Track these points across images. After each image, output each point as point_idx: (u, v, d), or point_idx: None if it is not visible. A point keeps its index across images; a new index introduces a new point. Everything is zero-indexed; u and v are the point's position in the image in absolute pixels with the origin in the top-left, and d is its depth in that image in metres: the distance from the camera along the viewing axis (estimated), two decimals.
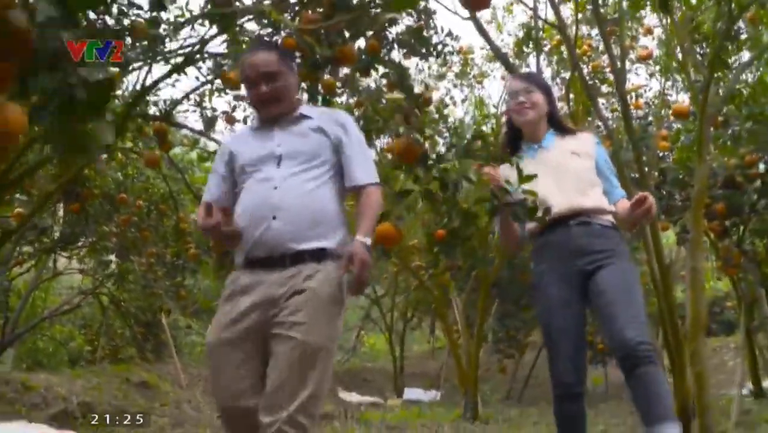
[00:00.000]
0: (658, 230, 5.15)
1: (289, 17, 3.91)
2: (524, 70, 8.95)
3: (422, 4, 4.90)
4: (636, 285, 2.76)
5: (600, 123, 6.83)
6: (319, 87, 3.85)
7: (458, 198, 3.04)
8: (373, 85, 5.23)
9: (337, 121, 2.59)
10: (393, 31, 4.74)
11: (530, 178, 2.73)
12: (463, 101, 13.04)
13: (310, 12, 3.65)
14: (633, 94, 9.05)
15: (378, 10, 3.73)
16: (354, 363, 17.44)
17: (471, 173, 2.92)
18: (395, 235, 3.16)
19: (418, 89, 4.44)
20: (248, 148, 2.54)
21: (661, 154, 7.93)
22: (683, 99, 9.44)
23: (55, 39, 1.25)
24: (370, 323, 17.13)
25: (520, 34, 10.29)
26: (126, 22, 3.80)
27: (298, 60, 3.40)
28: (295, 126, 2.55)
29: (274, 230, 2.34)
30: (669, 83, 9.53)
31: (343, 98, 4.86)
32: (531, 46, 9.36)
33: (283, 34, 3.88)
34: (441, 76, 11.49)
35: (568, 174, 2.85)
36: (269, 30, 4.00)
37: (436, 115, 5.06)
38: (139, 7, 3.85)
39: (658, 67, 9.28)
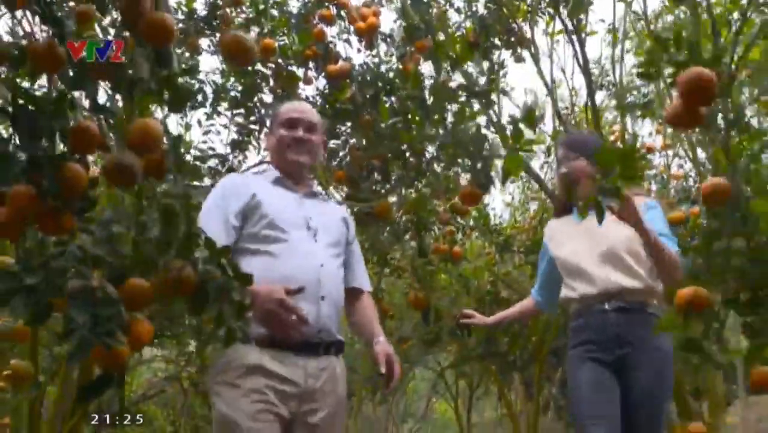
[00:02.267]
0: None
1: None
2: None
3: None
4: (667, 393, 2.67)
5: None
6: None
7: None
8: None
9: (350, 218, 2.54)
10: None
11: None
12: None
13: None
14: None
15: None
16: (424, 431, 17.72)
17: None
18: None
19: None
20: (275, 202, 2.27)
21: None
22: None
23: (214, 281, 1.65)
24: (439, 391, 17.46)
25: None
26: None
27: None
28: (318, 202, 2.44)
29: (322, 313, 2.18)
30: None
31: None
32: None
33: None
34: None
35: (606, 244, 2.67)
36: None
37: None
38: None
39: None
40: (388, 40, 4.31)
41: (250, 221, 2.23)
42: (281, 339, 2.12)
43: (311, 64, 4.56)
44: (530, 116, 2.20)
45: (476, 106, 3.26)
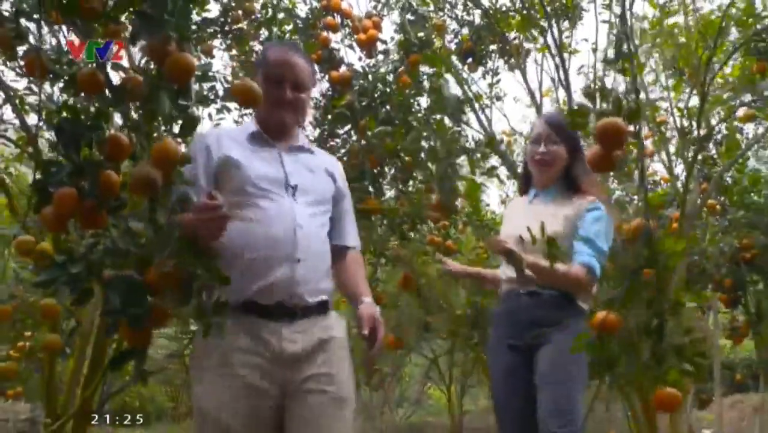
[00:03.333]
0: None
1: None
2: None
3: None
4: (571, 365, 2.59)
5: None
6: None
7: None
8: None
9: (339, 171, 2.40)
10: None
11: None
12: None
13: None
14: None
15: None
16: (417, 416, 18.10)
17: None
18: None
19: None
20: (251, 161, 2.16)
21: None
22: None
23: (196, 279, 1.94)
24: (432, 378, 17.82)
25: None
26: None
27: None
28: (302, 156, 2.29)
29: (297, 276, 2.10)
30: None
31: None
32: None
33: None
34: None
35: (537, 229, 2.59)
36: None
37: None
38: None
39: None
40: (384, 54, 4.64)
41: (222, 182, 2.12)
42: (252, 304, 2.06)
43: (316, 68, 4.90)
44: (490, 143, 2.55)
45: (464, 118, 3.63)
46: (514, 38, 5.99)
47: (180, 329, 11.87)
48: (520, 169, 3.13)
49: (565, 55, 5.28)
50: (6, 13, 2.98)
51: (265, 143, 2.24)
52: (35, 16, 2.92)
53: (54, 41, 3.34)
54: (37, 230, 3.39)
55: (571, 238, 2.68)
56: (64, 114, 2.43)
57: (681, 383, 2.83)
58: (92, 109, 2.46)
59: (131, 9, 2.16)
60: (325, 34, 4.83)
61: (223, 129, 2.34)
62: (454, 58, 5.64)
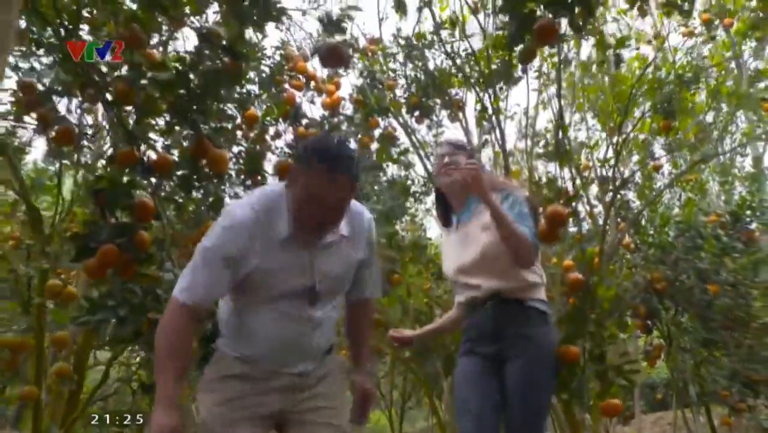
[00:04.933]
0: None
1: None
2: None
3: None
4: (540, 382, 2.63)
5: None
6: None
7: None
8: None
9: (368, 239, 2.29)
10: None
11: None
12: None
13: None
14: None
15: None
16: None
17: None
18: None
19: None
20: (281, 268, 2.08)
21: None
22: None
23: None
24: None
25: None
26: None
27: None
28: (335, 249, 2.17)
29: (308, 364, 2.20)
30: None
31: None
32: None
33: None
34: None
35: (478, 255, 2.70)
36: None
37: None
38: None
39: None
40: (347, 118, 5.33)
41: (251, 282, 2.08)
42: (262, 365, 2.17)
43: (281, 122, 5.56)
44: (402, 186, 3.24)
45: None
46: (456, 93, 6.75)
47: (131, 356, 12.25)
48: (435, 205, 3.06)
49: (501, 116, 6.06)
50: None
51: (298, 246, 2.09)
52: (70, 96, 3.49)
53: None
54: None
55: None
56: (103, 183, 3.01)
57: (620, 395, 3.79)
58: (125, 179, 3.05)
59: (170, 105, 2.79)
60: (291, 92, 5.46)
61: (257, 224, 2.03)
62: (403, 111, 6.35)
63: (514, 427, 2.57)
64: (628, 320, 8.42)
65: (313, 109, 5.33)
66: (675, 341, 8.45)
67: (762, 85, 7.76)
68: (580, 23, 2.43)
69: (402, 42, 6.03)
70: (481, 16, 5.62)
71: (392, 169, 6.61)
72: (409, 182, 7.03)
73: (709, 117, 8.68)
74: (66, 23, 3.25)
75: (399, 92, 6.45)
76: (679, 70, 6.31)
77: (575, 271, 4.57)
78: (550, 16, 2.59)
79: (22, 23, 3.59)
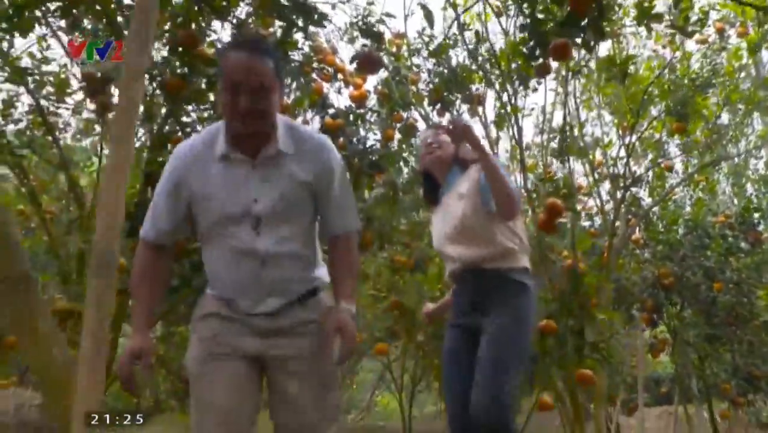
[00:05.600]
0: None
1: None
2: None
3: None
4: (510, 342, 2.58)
5: None
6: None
7: None
8: None
9: (324, 165, 2.14)
10: None
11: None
12: None
13: None
14: None
15: None
16: (368, 421, 18.87)
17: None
18: None
19: None
20: (219, 193, 2.05)
21: None
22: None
23: None
24: (384, 383, 18.60)
25: None
26: None
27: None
28: (274, 167, 2.08)
29: (269, 303, 2.09)
30: None
31: None
32: None
33: None
34: None
35: (456, 223, 2.72)
36: None
37: None
38: None
39: None
40: (373, 115, 5.64)
41: (195, 211, 2.09)
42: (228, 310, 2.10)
43: (309, 110, 5.89)
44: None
45: None
46: (476, 89, 7.02)
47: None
48: (422, 188, 3.12)
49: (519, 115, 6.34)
50: None
51: (235, 162, 2.06)
52: None
53: None
54: None
55: (480, 197, 2.70)
56: (154, 166, 3.35)
57: (596, 368, 4.32)
58: None
59: None
60: (320, 83, 5.76)
61: (196, 148, 2.07)
62: (425, 103, 6.63)
63: (479, 381, 2.50)
64: (635, 314, 8.73)
65: (340, 99, 5.63)
66: (679, 335, 8.72)
67: None
68: (592, 43, 2.70)
69: (426, 39, 6.32)
70: (503, 18, 5.90)
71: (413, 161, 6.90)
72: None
73: (725, 119, 8.88)
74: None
75: (421, 85, 6.75)
76: (693, 74, 6.54)
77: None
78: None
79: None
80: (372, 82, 10.23)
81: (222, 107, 2.02)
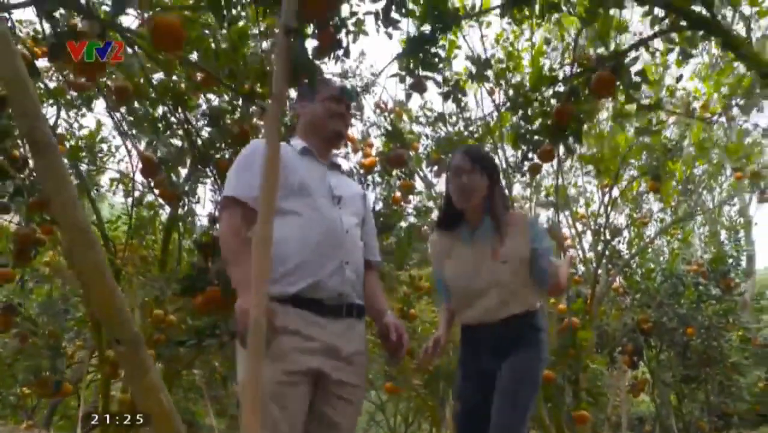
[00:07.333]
0: None
1: None
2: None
3: None
4: (527, 384, 2.64)
5: None
6: None
7: None
8: None
9: (366, 195, 2.57)
10: None
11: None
12: None
13: None
14: None
15: None
16: None
17: None
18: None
19: None
20: (298, 166, 2.28)
21: None
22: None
23: None
24: (376, 426, 18.83)
25: None
26: None
27: None
28: (341, 174, 2.48)
29: (346, 276, 2.20)
30: None
31: None
32: None
33: None
34: None
35: (491, 280, 2.72)
36: None
37: None
38: None
39: None
40: (382, 178, 6.30)
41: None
42: (304, 298, 2.11)
43: None
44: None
45: None
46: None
47: None
48: (441, 204, 3.04)
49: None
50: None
51: (312, 158, 2.36)
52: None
53: None
54: None
55: (529, 272, 2.74)
56: (207, 238, 3.94)
57: (588, 409, 5.27)
58: None
59: None
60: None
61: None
62: (423, 165, 7.29)
63: (498, 422, 2.54)
64: (617, 356, 9.33)
65: (346, 164, 6.21)
66: (657, 376, 9.30)
67: (749, 140, 8.68)
68: (573, 147, 3.38)
69: (428, 113, 7.00)
70: (496, 96, 6.60)
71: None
72: (425, 228, 7.93)
73: (698, 170, 9.57)
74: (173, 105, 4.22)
75: (420, 148, 7.41)
76: (664, 140, 7.25)
77: (567, 315, 5.73)
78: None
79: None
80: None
81: (318, 113, 2.43)
